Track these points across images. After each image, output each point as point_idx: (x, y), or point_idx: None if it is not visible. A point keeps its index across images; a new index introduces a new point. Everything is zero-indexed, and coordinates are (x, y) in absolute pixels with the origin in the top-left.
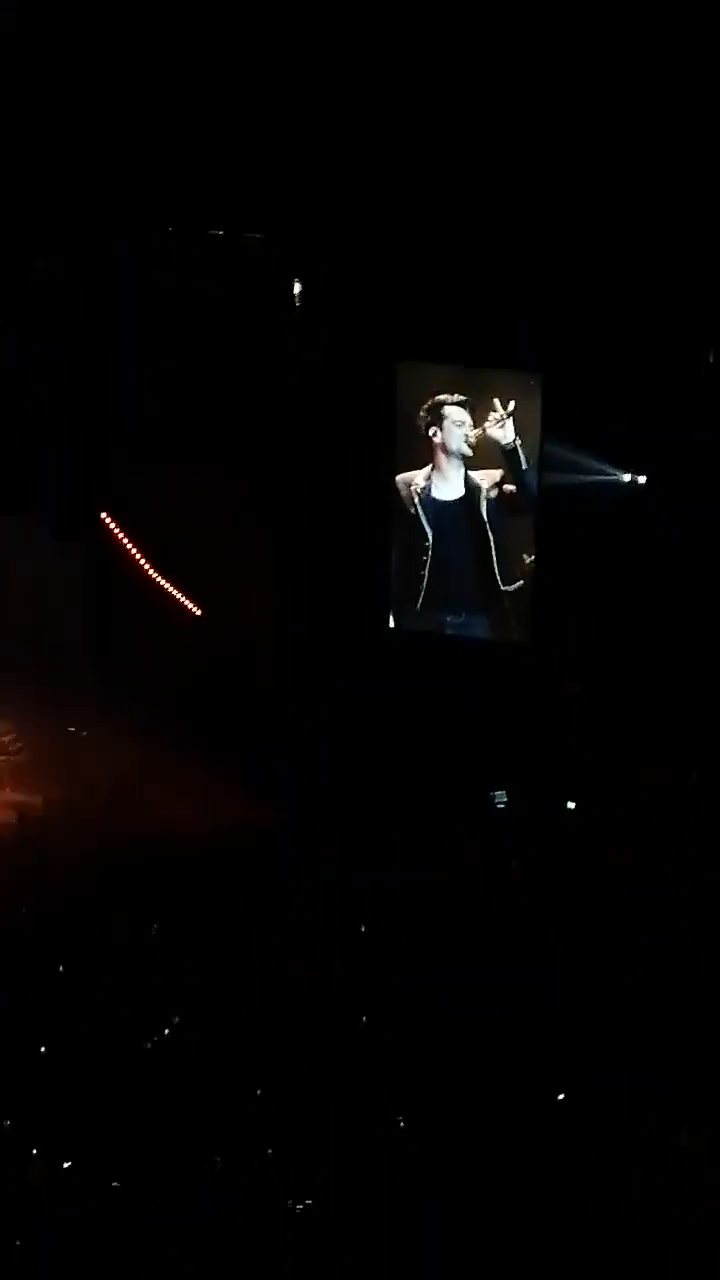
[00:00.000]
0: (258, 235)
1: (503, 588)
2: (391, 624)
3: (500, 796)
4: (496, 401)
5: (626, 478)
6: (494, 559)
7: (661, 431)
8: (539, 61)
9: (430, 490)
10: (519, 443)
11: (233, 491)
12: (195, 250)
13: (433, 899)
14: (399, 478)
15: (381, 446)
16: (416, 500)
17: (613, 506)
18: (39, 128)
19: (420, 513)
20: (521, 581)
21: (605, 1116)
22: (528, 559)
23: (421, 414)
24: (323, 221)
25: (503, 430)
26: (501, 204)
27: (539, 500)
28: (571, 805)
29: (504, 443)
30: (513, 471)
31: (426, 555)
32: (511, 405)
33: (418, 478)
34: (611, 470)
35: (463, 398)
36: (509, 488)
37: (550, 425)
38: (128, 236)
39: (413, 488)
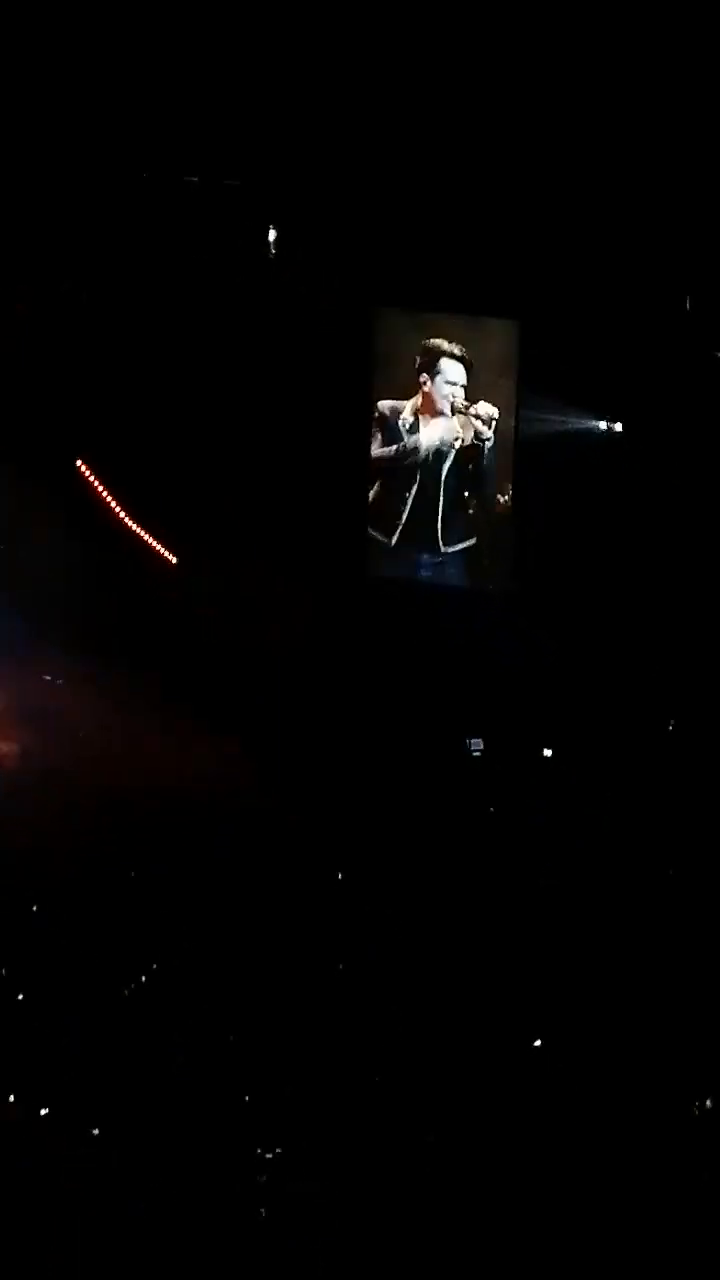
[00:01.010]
0: (235, 182)
1: (444, 549)
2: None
3: (476, 745)
4: (486, 406)
5: (603, 425)
6: (439, 517)
7: (639, 378)
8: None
9: (417, 426)
10: (489, 444)
11: (209, 438)
12: (170, 196)
13: (413, 847)
14: (384, 404)
15: (361, 389)
16: (404, 431)
17: (590, 453)
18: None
19: (407, 443)
20: (471, 541)
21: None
22: (472, 514)
23: (417, 355)
24: (298, 167)
25: (483, 427)
26: (482, 146)
27: (516, 453)
28: (548, 753)
29: (480, 435)
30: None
31: (410, 491)
32: (494, 421)
33: (405, 409)
34: (589, 417)
35: (462, 352)
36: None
37: (527, 372)
38: (99, 182)
39: (402, 419)
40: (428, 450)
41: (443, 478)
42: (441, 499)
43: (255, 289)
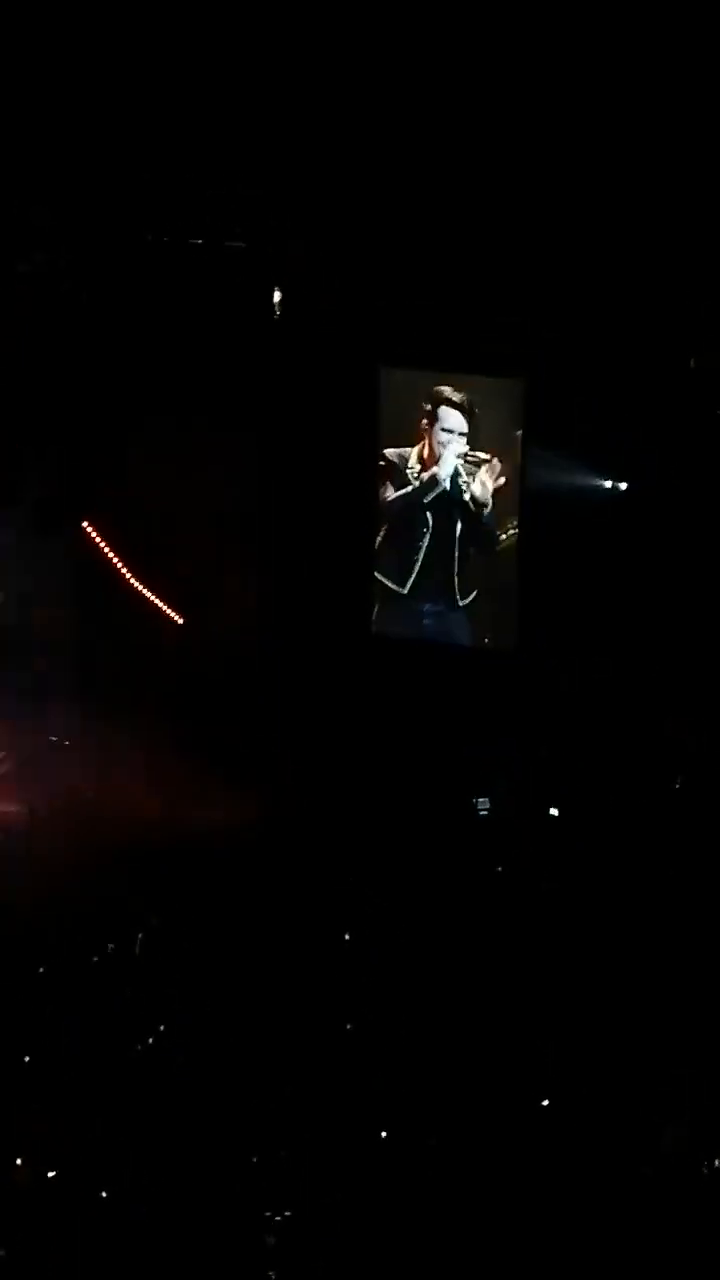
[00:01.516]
0: (239, 244)
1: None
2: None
3: (484, 804)
4: (493, 464)
5: (608, 483)
6: (452, 568)
7: (643, 437)
8: (522, 65)
9: (421, 474)
10: (489, 506)
11: (217, 494)
12: (176, 258)
13: (418, 905)
14: (391, 451)
15: (366, 448)
16: (412, 478)
17: (594, 511)
18: (27, 129)
19: (415, 489)
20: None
21: (595, 1118)
22: (477, 568)
23: (422, 400)
24: (303, 228)
25: (479, 491)
26: (487, 208)
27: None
28: (555, 812)
29: (478, 500)
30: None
31: (423, 541)
32: (501, 480)
33: (411, 456)
34: (594, 476)
35: (461, 399)
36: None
37: (532, 431)
38: (111, 243)
39: (409, 468)
40: (434, 497)
41: (452, 529)
42: (457, 551)
43: (261, 348)
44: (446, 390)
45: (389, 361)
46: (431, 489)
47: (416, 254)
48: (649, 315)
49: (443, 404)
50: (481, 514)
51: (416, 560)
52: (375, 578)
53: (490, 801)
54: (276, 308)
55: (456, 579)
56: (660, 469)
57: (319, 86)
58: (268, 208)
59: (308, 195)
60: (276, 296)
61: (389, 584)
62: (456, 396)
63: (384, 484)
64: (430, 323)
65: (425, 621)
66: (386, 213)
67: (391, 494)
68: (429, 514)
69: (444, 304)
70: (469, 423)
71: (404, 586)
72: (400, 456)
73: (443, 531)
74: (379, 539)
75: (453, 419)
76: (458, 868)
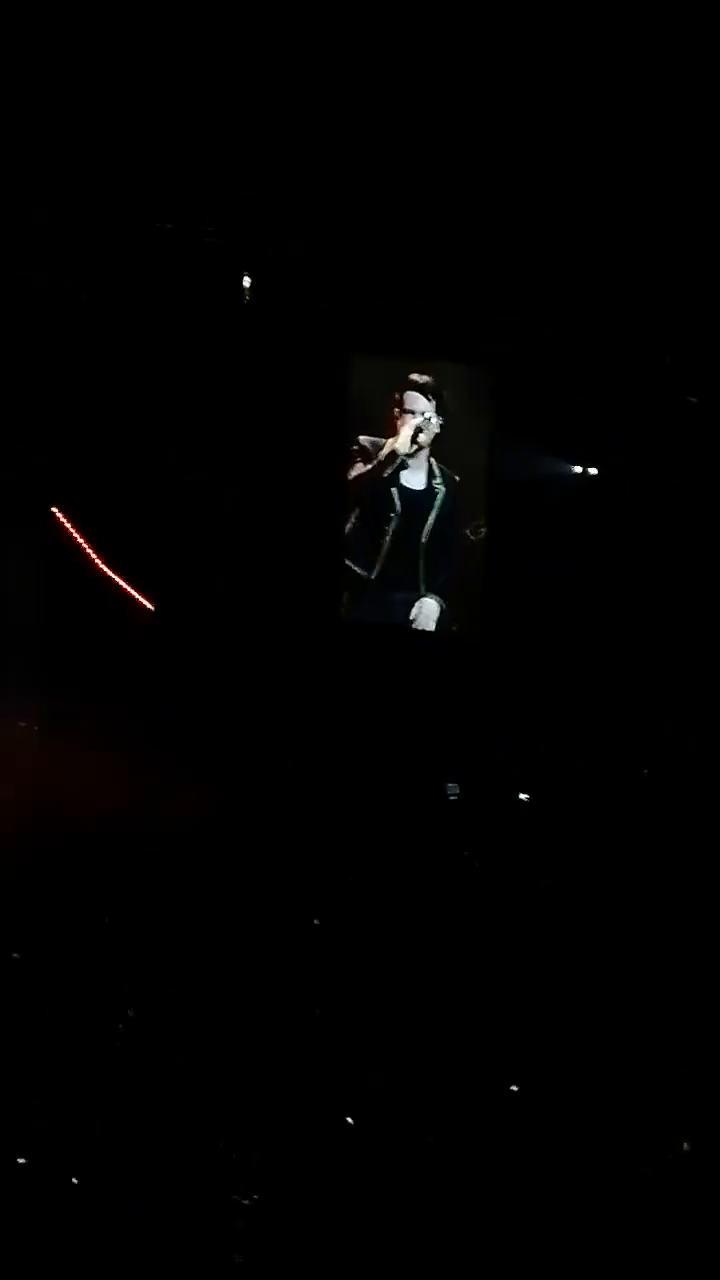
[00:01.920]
0: (209, 229)
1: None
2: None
3: (453, 789)
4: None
5: (578, 469)
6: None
7: (612, 423)
8: (494, 56)
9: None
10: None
11: (188, 482)
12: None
13: (387, 890)
14: (365, 438)
15: (337, 431)
16: (383, 461)
17: (564, 499)
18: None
19: (390, 478)
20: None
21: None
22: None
23: (392, 389)
24: (273, 211)
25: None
26: (459, 197)
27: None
28: (524, 797)
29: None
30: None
31: (389, 525)
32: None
33: (385, 446)
34: (563, 463)
35: (425, 381)
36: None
37: (503, 419)
38: (77, 229)
39: (382, 454)
40: (394, 470)
41: (420, 515)
42: (424, 536)
43: (230, 335)
44: (413, 376)
45: (360, 349)
46: (391, 463)
47: (389, 241)
48: (621, 304)
49: (409, 389)
50: (448, 507)
51: (384, 545)
52: (345, 564)
53: (459, 787)
54: (247, 293)
55: (423, 566)
56: (633, 455)
57: (294, 75)
58: (250, 202)
59: (287, 190)
60: (246, 282)
61: (358, 570)
62: (421, 379)
63: (355, 464)
64: (401, 311)
65: (394, 609)
66: (358, 200)
67: (357, 471)
68: (396, 498)
69: (416, 292)
70: (434, 406)
71: (372, 572)
72: (374, 444)
73: (411, 517)
74: (349, 525)
75: (419, 403)
76: (437, 854)
